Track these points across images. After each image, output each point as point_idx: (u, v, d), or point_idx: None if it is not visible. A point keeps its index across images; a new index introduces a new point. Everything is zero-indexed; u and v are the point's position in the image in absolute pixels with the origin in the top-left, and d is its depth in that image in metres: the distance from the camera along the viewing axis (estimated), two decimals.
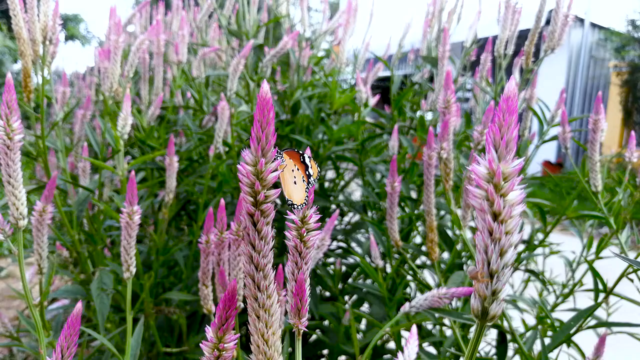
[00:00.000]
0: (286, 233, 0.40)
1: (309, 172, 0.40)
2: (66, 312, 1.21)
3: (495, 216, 0.25)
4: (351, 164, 1.58)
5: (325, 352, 1.44)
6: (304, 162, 0.40)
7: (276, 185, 0.38)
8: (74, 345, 0.42)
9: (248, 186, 0.32)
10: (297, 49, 1.53)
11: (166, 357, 1.15)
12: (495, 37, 1.20)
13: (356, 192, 2.10)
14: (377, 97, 1.95)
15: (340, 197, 1.72)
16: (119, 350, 1.02)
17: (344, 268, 1.48)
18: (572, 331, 0.98)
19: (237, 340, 0.34)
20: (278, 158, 0.35)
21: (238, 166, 0.32)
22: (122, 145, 0.97)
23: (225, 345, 0.34)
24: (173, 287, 1.34)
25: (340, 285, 1.48)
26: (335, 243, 1.70)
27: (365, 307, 1.53)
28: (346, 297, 1.51)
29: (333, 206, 1.67)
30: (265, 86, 0.32)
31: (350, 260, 1.54)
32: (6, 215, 0.63)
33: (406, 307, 0.77)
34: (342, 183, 1.75)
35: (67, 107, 1.17)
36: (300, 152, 0.40)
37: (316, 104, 1.58)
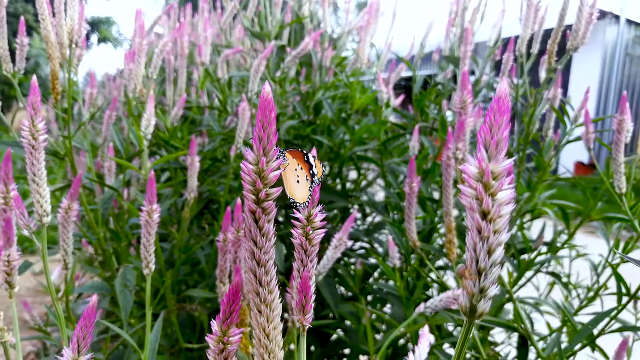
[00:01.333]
0: (292, 231, 0.40)
1: (312, 171, 0.41)
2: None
3: (484, 215, 0.25)
4: (373, 164, 1.58)
5: (346, 351, 1.45)
6: (307, 162, 0.41)
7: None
8: (89, 336, 0.43)
9: (250, 184, 0.33)
10: (319, 50, 1.54)
11: (188, 352, 1.17)
12: (518, 37, 1.18)
13: (380, 192, 2.10)
14: (402, 97, 1.94)
15: (364, 198, 1.72)
16: (141, 344, 1.05)
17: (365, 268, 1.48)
18: (595, 334, 0.97)
19: (240, 335, 0.35)
20: (280, 157, 0.36)
21: (241, 164, 0.33)
22: (145, 145, 0.99)
23: (229, 338, 0.35)
24: (197, 285, 1.37)
25: (361, 285, 1.48)
26: (358, 243, 1.71)
27: (388, 307, 1.53)
28: (369, 297, 1.51)
29: (356, 206, 1.68)
30: (267, 87, 0.33)
31: (373, 260, 1.54)
32: (32, 213, 0.65)
33: (421, 307, 0.78)
34: (364, 183, 1.76)
35: (92, 108, 1.20)
36: (304, 151, 0.41)
37: (339, 104, 1.58)
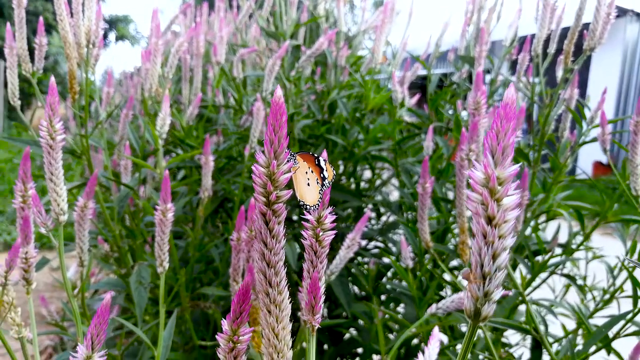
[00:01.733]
0: (303, 232, 0.41)
1: (323, 174, 0.41)
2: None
3: (490, 220, 0.25)
4: (387, 163, 1.58)
5: (359, 350, 1.45)
6: (318, 165, 0.41)
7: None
8: (103, 333, 0.44)
9: (261, 186, 0.33)
10: (334, 49, 1.54)
11: (201, 350, 1.18)
12: (534, 36, 1.17)
13: (394, 192, 2.09)
14: (417, 96, 1.93)
15: (378, 197, 1.72)
16: (155, 341, 1.06)
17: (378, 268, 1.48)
18: (610, 337, 0.96)
19: (250, 334, 0.35)
20: (291, 160, 0.37)
21: (252, 167, 0.34)
22: (160, 144, 1.00)
23: (239, 337, 0.35)
24: (211, 283, 1.38)
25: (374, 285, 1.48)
26: (372, 243, 1.71)
27: (401, 307, 1.53)
28: (382, 297, 1.51)
29: (370, 206, 1.68)
30: (279, 91, 0.34)
31: (386, 260, 1.54)
32: (49, 210, 0.67)
33: (433, 308, 0.78)
34: (379, 183, 1.76)
35: (109, 106, 1.22)
36: (315, 154, 0.41)
37: (354, 103, 1.58)
